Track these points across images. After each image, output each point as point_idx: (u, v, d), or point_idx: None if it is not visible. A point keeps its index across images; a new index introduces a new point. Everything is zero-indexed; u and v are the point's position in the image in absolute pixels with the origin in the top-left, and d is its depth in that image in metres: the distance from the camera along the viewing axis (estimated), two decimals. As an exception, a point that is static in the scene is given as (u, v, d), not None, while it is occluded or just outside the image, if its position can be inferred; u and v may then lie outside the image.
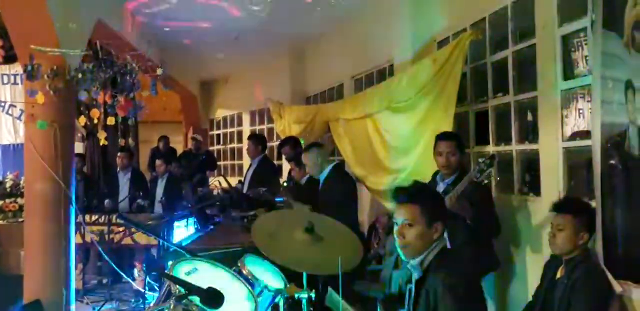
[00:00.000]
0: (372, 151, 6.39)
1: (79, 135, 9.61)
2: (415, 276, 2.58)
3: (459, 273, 2.46)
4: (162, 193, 7.76)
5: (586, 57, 3.64)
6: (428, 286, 2.48)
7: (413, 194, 2.60)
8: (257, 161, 7.23)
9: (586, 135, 3.57)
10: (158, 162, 8.07)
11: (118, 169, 8.12)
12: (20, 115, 8.83)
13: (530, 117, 4.35)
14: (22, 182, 7.01)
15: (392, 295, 3.05)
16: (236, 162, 13.44)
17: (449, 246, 2.73)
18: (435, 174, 4.31)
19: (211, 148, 14.15)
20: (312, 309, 2.90)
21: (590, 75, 3.37)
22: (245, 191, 6.90)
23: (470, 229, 3.78)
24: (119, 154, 8.14)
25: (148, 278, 6.01)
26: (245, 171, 8.57)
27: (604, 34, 2.87)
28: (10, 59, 8.35)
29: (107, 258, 5.76)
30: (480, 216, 3.80)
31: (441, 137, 4.20)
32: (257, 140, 7.40)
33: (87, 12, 5.66)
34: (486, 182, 3.86)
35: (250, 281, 2.75)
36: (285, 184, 7.40)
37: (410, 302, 2.64)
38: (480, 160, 3.69)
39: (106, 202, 7.41)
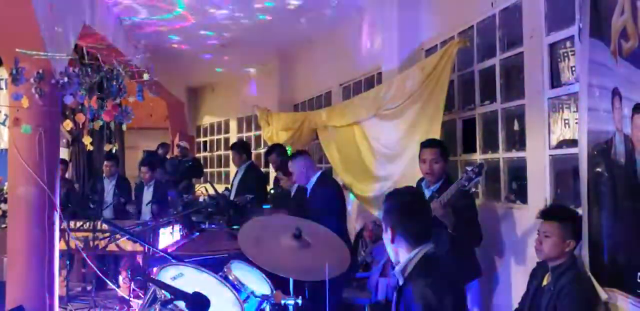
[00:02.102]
0: (360, 158, 6.39)
1: (64, 140, 9.54)
2: (400, 282, 2.55)
3: (438, 282, 2.41)
4: (149, 200, 7.71)
5: (572, 67, 3.66)
6: (405, 294, 2.46)
7: None
8: (244, 168, 7.20)
9: (572, 142, 3.58)
10: (143, 169, 8.01)
11: (104, 175, 8.07)
12: (5, 120, 8.75)
13: (517, 125, 4.37)
14: (5, 188, 6.93)
15: (379, 302, 3.04)
16: (222, 169, 13.40)
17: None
18: (420, 181, 4.31)
19: (197, 155, 14.10)
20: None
21: (576, 83, 3.39)
22: (232, 198, 6.87)
23: (451, 237, 3.78)
24: (105, 162, 8.09)
25: (133, 285, 5.94)
26: (231, 178, 8.53)
27: (591, 42, 2.89)
28: (-6, 63, 8.27)
29: (91, 264, 5.70)
30: (463, 224, 3.79)
31: (425, 144, 4.21)
32: (240, 148, 7.37)
33: (73, 16, 5.63)
34: (473, 190, 3.85)
35: (236, 287, 2.73)
36: (272, 191, 7.39)
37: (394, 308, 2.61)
38: (469, 168, 3.68)
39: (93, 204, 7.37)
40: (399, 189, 2.75)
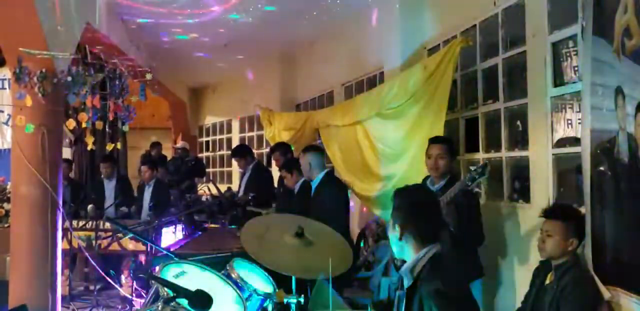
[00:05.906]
0: (362, 157, 6.39)
1: (67, 140, 9.55)
2: (406, 283, 2.52)
3: (450, 280, 2.41)
4: (150, 199, 7.71)
5: (575, 67, 3.65)
6: (420, 293, 2.43)
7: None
8: (251, 168, 7.23)
9: (576, 141, 3.58)
10: (143, 168, 8.03)
11: (102, 176, 8.09)
12: (8, 120, 8.76)
13: (519, 124, 4.36)
14: (8, 187, 6.95)
15: (381, 301, 3.03)
16: (225, 169, 13.40)
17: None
18: (425, 179, 4.31)
19: (200, 155, 14.10)
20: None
21: (579, 82, 3.38)
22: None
23: (453, 236, 3.78)
24: (101, 164, 8.11)
25: (135, 284, 5.95)
26: (236, 178, 8.52)
27: (594, 40, 2.88)
28: (-2, 63, 8.29)
29: (93, 263, 5.71)
30: (466, 223, 3.78)
31: (432, 140, 4.24)
32: (241, 154, 7.37)
33: (75, 15, 5.63)
34: (477, 190, 3.83)
35: (238, 285, 2.73)
36: (276, 191, 7.40)
37: (401, 308, 2.59)
38: (472, 168, 3.69)
39: (89, 207, 7.34)
40: (411, 186, 2.70)
